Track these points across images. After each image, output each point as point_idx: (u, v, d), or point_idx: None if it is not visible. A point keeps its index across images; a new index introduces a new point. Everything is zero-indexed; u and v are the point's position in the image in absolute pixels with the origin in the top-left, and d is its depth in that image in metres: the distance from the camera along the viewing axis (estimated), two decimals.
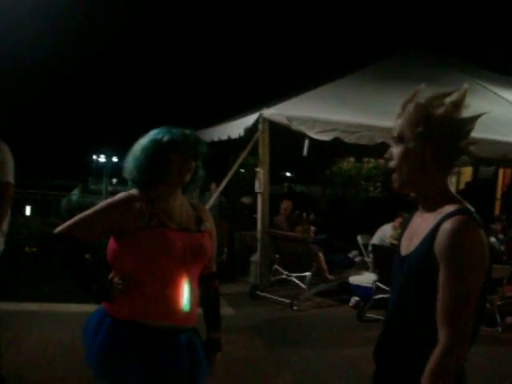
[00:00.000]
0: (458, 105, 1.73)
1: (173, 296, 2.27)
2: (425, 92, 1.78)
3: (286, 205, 9.13)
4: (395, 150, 1.79)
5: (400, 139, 1.78)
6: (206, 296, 2.56)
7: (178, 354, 2.29)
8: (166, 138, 2.32)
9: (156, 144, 2.32)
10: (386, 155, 1.83)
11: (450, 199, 1.75)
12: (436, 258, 1.65)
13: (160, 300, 2.26)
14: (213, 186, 10.17)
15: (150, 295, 2.25)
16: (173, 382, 2.30)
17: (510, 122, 8.02)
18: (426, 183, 1.77)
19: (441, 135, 1.71)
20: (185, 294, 2.30)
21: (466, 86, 1.77)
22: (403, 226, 1.98)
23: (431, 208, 1.77)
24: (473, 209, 1.73)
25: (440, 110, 1.72)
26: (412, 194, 1.84)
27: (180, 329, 2.33)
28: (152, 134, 2.37)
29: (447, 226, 1.64)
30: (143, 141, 2.37)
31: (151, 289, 2.25)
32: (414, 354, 1.71)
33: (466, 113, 1.74)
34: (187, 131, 2.39)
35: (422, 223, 1.79)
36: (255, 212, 8.15)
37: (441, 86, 1.79)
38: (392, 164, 1.80)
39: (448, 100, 1.74)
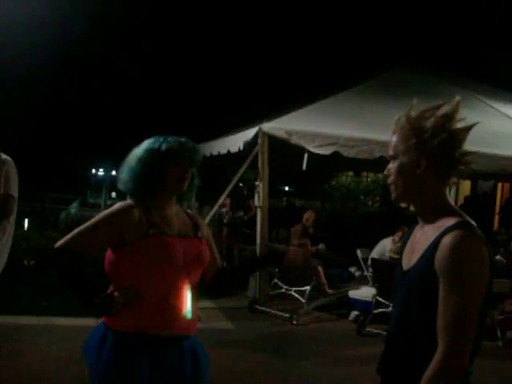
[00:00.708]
0: (449, 116, 1.74)
1: (175, 304, 2.26)
2: (418, 106, 1.80)
3: (308, 215, 8.94)
4: (391, 166, 1.83)
5: (395, 157, 1.81)
6: (221, 283, 2.64)
7: (183, 362, 2.29)
8: (163, 148, 2.31)
9: (153, 154, 2.31)
10: (385, 172, 1.86)
11: (450, 212, 1.75)
12: (436, 272, 1.65)
13: (163, 309, 2.25)
14: (227, 201, 10.07)
15: (152, 305, 2.23)
16: None
17: (509, 136, 8.05)
18: (423, 195, 1.78)
19: (432, 145, 1.72)
20: (187, 302, 2.29)
21: (457, 98, 1.78)
22: (404, 240, 1.97)
23: (431, 221, 1.77)
24: (473, 222, 1.73)
25: (431, 121, 1.73)
26: (411, 208, 1.85)
27: (183, 337, 2.33)
28: (147, 144, 2.36)
29: (447, 240, 1.63)
30: (138, 151, 2.36)
31: (153, 298, 2.23)
32: (417, 368, 1.70)
33: (460, 124, 1.76)
34: (183, 139, 2.39)
35: (422, 237, 1.79)
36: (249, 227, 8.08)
37: (437, 99, 1.81)
38: (389, 180, 1.84)
39: (439, 112, 1.75)
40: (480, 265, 1.63)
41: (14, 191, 3.75)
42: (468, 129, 1.77)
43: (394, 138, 1.81)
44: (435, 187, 1.77)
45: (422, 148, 1.73)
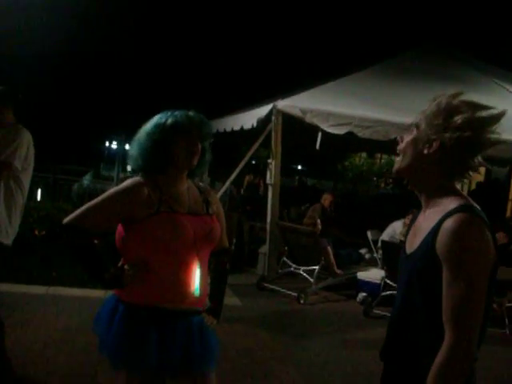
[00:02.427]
0: (484, 122, 1.68)
1: (185, 280, 2.28)
2: (462, 95, 1.74)
3: (326, 197, 8.92)
4: (406, 136, 1.79)
5: (416, 126, 1.77)
6: (214, 269, 2.57)
7: (191, 336, 2.31)
8: (169, 122, 2.29)
9: (160, 128, 2.29)
10: (398, 138, 1.83)
11: (453, 195, 1.71)
12: (438, 257, 1.63)
13: (172, 284, 2.26)
14: (247, 177, 10.06)
15: (162, 280, 2.25)
16: (187, 362, 2.31)
17: None
18: (424, 176, 1.75)
19: (451, 137, 1.67)
20: (196, 279, 2.30)
21: (505, 109, 1.71)
22: (410, 223, 1.95)
23: (433, 204, 1.74)
24: (477, 205, 1.69)
25: (465, 116, 1.68)
26: (407, 183, 1.82)
27: (192, 311, 2.35)
28: (155, 119, 2.35)
29: (449, 224, 1.61)
30: (147, 127, 2.34)
31: (163, 273, 2.25)
32: (421, 354, 1.69)
33: (489, 135, 1.69)
34: (191, 113, 2.35)
35: (424, 220, 1.76)
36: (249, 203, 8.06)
37: (456, 84, 1.76)
38: (399, 147, 1.80)
39: (478, 113, 1.69)
40: (483, 250, 1.60)
41: (16, 159, 3.68)
42: (492, 144, 1.71)
43: (425, 113, 1.76)
44: (439, 174, 1.73)
45: (441, 132, 1.69)
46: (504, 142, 1.65)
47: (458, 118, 1.67)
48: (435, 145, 1.70)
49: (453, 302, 1.58)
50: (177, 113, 2.33)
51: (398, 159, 1.81)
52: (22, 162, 3.71)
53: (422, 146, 1.73)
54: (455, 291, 1.58)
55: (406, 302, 1.80)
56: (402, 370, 1.81)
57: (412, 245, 1.79)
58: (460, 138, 1.66)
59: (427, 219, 1.73)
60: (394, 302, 1.90)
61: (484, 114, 1.68)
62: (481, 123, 1.68)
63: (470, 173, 1.73)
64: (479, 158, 1.72)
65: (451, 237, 1.59)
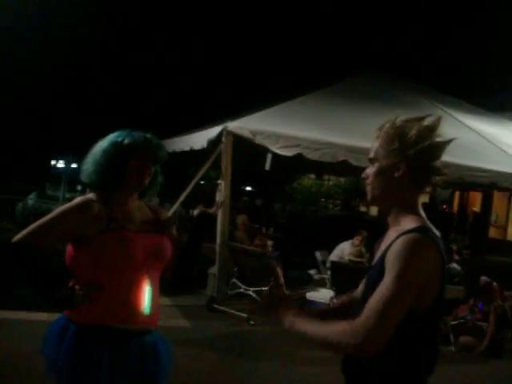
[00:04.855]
0: (431, 128, 1.83)
1: (135, 299, 2.27)
2: (401, 116, 1.88)
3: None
4: (370, 170, 1.90)
5: (375, 160, 1.88)
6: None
7: (144, 356, 2.29)
8: (126, 141, 2.31)
9: (116, 147, 2.31)
10: (363, 175, 1.94)
11: (414, 217, 1.80)
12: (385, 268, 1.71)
13: (123, 303, 2.25)
14: (239, 218, 9.53)
15: (112, 299, 2.23)
16: (139, 383, 2.28)
17: (465, 144, 8.22)
18: (396, 199, 1.85)
19: (413, 151, 1.79)
20: (146, 297, 2.30)
21: (440, 115, 1.90)
22: (376, 244, 2.03)
23: (396, 224, 1.84)
24: (433, 229, 1.78)
25: (415, 129, 1.81)
26: (371, 212, 1.90)
27: (144, 331, 2.33)
28: (112, 137, 2.36)
29: (399, 241, 1.70)
30: (103, 143, 2.35)
31: (114, 292, 2.23)
32: (373, 364, 1.73)
33: (439, 139, 1.84)
34: (148, 135, 2.39)
35: (386, 238, 1.86)
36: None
37: (405, 108, 1.87)
38: (367, 182, 1.91)
39: (423, 122, 1.84)
40: (421, 265, 1.67)
41: None
42: (446, 143, 1.85)
43: (377, 143, 1.88)
44: (409, 192, 1.84)
45: (403, 153, 1.81)
46: (456, 138, 1.82)
47: (411, 134, 1.81)
48: (402, 166, 1.81)
49: (374, 297, 1.65)
50: (134, 133, 2.36)
51: (369, 189, 1.91)
52: None
53: (391, 172, 1.83)
54: (380, 291, 1.64)
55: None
56: (359, 380, 1.85)
57: (374, 260, 1.90)
58: (421, 149, 1.79)
59: (388, 237, 1.84)
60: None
61: (426, 122, 1.84)
62: (429, 130, 1.82)
63: (436, 177, 1.84)
64: (439, 162, 1.84)
65: (396, 251, 1.68)
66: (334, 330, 1.68)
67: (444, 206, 16.24)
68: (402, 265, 1.64)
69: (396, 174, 1.82)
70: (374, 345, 1.60)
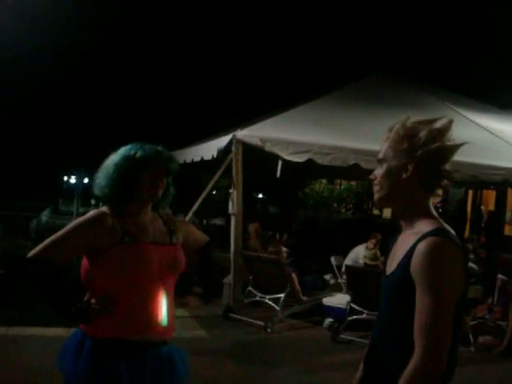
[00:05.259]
0: (442, 131, 1.81)
1: (151, 310, 2.27)
2: (412, 118, 1.87)
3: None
4: (378, 171, 1.89)
5: (384, 160, 1.87)
6: (199, 262, 2.72)
7: (161, 367, 2.30)
8: (138, 155, 2.33)
9: (128, 161, 2.33)
10: (371, 176, 1.93)
11: (429, 219, 1.80)
12: (412, 277, 1.69)
13: (139, 315, 2.25)
14: (251, 227, 9.37)
15: (129, 312, 2.24)
16: None
17: (476, 143, 8.17)
18: (406, 200, 1.84)
19: (422, 153, 1.78)
20: (163, 308, 2.30)
21: (451, 118, 1.87)
22: (389, 246, 2.02)
23: (411, 227, 1.82)
24: (450, 229, 1.78)
25: (425, 131, 1.80)
26: (384, 215, 1.90)
27: (160, 342, 2.33)
28: (124, 151, 2.38)
29: (422, 246, 1.68)
30: (115, 157, 2.37)
31: (130, 305, 2.24)
32: (393, 362, 1.74)
33: (450, 143, 1.82)
34: (159, 148, 2.41)
35: (402, 243, 1.85)
36: (227, 234, 8.07)
37: (415, 109, 1.86)
38: (375, 183, 1.90)
39: (434, 125, 1.82)
40: (452, 270, 1.67)
41: None
42: (457, 147, 1.83)
43: (386, 144, 1.87)
44: (418, 194, 1.82)
45: (411, 154, 1.79)
46: (467, 143, 1.81)
47: (421, 136, 1.79)
48: (411, 167, 1.79)
49: (422, 317, 1.64)
50: (146, 146, 2.38)
51: (376, 190, 1.90)
52: None
53: (399, 173, 1.82)
54: (425, 307, 1.64)
55: (385, 320, 1.87)
56: (377, 375, 1.86)
57: (391, 266, 1.86)
58: (430, 151, 1.77)
59: (404, 242, 1.81)
60: (376, 322, 1.97)
61: (437, 125, 1.82)
62: (440, 132, 1.80)
63: (445, 181, 1.82)
64: (449, 166, 1.82)
65: (423, 257, 1.66)
66: (407, 379, 1.64)
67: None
68: (435, 277, 1.64)
69: (404, 175, 1.81)
70: (443, 362, 1.63)
